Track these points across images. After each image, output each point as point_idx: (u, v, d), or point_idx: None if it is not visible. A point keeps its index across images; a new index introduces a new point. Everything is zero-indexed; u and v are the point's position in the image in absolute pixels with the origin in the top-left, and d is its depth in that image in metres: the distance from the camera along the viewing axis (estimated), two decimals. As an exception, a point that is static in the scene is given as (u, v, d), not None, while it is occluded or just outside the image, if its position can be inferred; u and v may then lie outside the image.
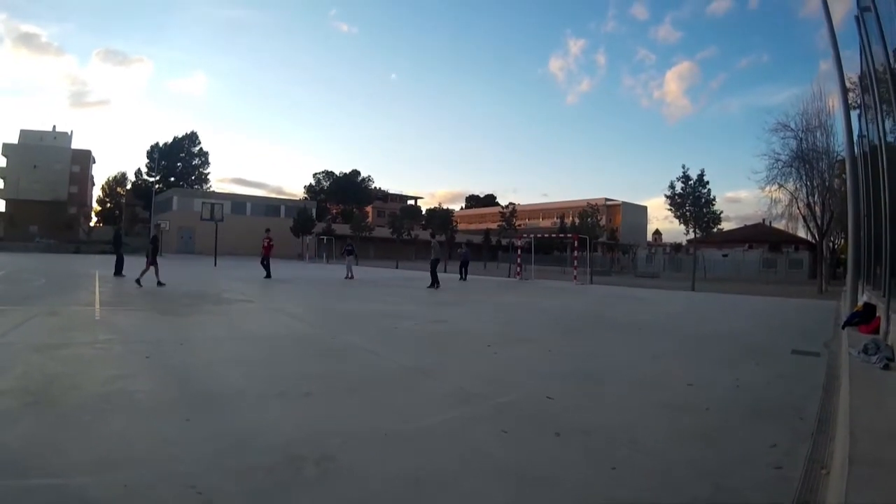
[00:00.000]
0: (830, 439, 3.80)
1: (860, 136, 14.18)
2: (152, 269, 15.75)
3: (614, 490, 2.98)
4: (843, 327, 8.65)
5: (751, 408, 4.75)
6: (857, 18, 11.16)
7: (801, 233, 33.61)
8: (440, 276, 20.81)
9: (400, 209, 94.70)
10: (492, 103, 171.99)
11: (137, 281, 15.28)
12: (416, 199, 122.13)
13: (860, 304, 9.42)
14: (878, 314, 8.09)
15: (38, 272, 18.36)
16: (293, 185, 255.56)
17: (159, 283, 15.34)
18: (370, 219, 79.26)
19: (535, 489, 2.98)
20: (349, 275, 24.76)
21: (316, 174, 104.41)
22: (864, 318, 8.36)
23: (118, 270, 18.81)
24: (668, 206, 28.59)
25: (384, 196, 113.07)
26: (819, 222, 28.15)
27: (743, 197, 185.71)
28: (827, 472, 3.19)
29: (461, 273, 27.14)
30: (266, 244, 22.55)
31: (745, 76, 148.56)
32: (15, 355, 5.87)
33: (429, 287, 19.23)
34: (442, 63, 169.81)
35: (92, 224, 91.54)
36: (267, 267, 21.81)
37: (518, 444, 3.67)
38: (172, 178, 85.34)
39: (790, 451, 3.63)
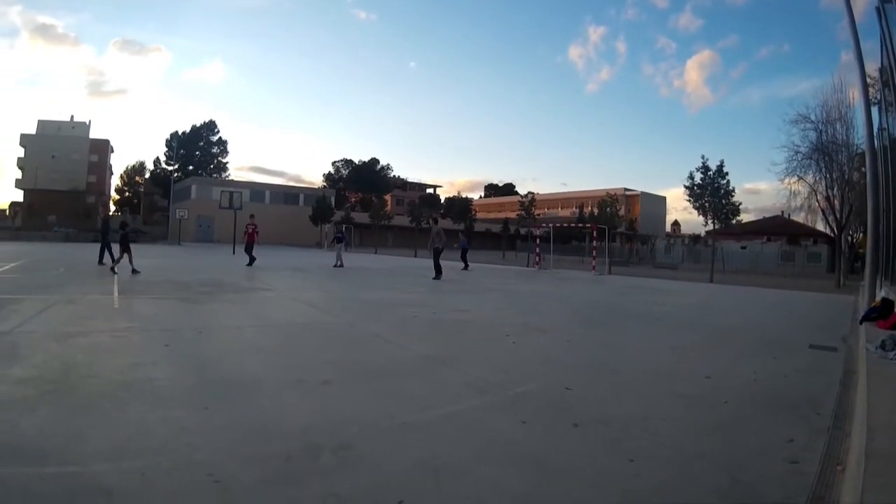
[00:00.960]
0: (847, 435, 3.78)
1: (880, 129, 14.01)
2: (126, 256, 15.69)
3: (631, 480, 2.99)
4: (861, 322, 8.57)
5: (768, 401, 4.74)
6: (877, 10, 11.01)
7: (820, 226, 33.23)
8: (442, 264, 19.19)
9: (419, 198, 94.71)
10: (511, 92, 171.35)
11: (112, 269, 15.22)
12: (434, 187, 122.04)
13: (878, 299, 9.32)
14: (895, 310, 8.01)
15: (57, 261, 18.53)
16: (312, 173, 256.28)
17: (134, 271, 15.25)
18: (389, 207, 79.08)
19: (552, 478, 2.99)
20: (338, 262, 23.65)
21: (335, 162, 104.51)
22: (881, 313, 8.27)
23: (101, 259, 18.54)
24: (687, 197, 28.37)
25: (403, 184, 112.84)
26: (838, 216, 27.83)
27: (762, 188, 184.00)
28: (843, 468, 3.17)
29: (464, 262, 26.68)
30: (250, 231, 22.36)
31: (765, 66, 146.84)
32: (34, 344, 5.92)
33: (434, 278, 17.82)
34: (461, 51, 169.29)
35: (111, 213, 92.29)
36: (250, 254, 21.54)
37: (536, 433, 3.69)
38: (191, 167, 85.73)
39: (806, 445, 3.62)
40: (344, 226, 27.17)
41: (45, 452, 3.04)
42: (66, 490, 2.67)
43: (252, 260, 21.33)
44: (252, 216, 22.91)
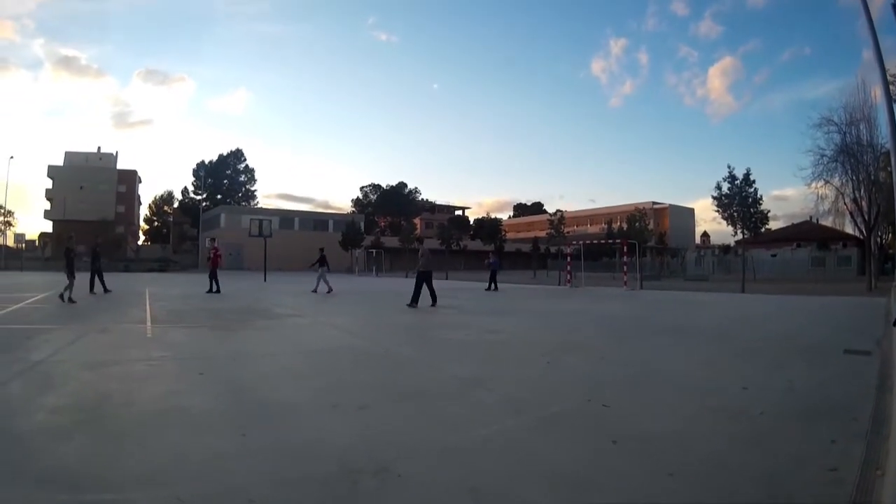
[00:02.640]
0: (885, 439, 3.73)
1: (904, 127, 13.83)
2: (71, 282, 15.24)
3: (671, 496, 2.98)
4: (895, 324, 8.45)
5: (804, 410, 4.69)
6: (893, 7, 10.91)
7: (849, 229, 32.88)
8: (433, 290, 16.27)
9: (448, 220, 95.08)
10: (536, 110, 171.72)
11: (61, 296, 14.88)
12: (463, 209, 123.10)
13: (911, 300, 9.19)
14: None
15: (87, 291, 18.82)
16: (340, 198, 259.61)
17: (69, 299, 14.79)
18: (418, 230, 79.50)
19: (592, 497, 2.99)
20: (316, 287, 22.22)
21: (363, 187, 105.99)
22: (915, 314, 8.17)
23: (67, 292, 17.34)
24: (716, 208, 28.32)
25: (431, 207, 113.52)
26: (866, 217, 27.52)
27: (790, 195, 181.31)
28: (882, 474, 3.14)
29: (491, 283, 25.97)
30: (213, 255, 21.81)
31: (788, 69, 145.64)
32: (67, 373, 6.03)
33: (409, 305, 15.53)
34: (483, 72, 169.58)
35: (140, 242, 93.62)
36: (213, 280, 20.55)
37: (575, 452, 3.67)
38: (219, 196, 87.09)
39: (845, 452, 3.58)
40: (321, 249, 23.96)
41: (82, 480, 3.09)
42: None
43: (215, 288, 20.34)
44: (213, 239, 22.40)
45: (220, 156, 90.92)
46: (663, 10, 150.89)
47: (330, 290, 21.87)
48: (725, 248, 59.00)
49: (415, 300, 15.65)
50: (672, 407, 4.89)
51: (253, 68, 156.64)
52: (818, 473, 3.25)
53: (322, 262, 23.03)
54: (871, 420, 4.29)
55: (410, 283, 17.37)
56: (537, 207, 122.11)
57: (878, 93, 23.79)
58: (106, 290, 19.02)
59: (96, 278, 19.60)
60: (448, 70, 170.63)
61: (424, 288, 15.83)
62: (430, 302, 15.76)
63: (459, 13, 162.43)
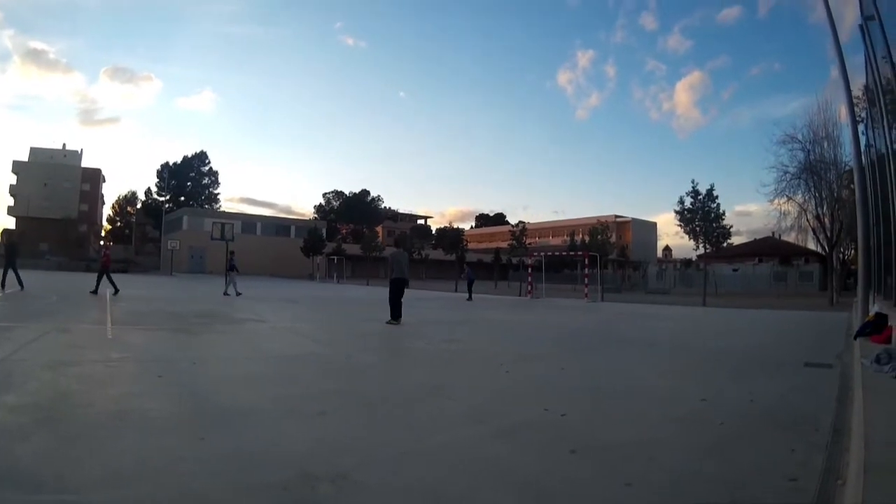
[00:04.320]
0: (845, 450, 3.77)
1: (867, 145, 14.16)
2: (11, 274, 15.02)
3: (630, 505, 2.97)
4: (856, 338, 8.61)
5: (765, 421, 4.74)
6: (861, 28, 11.17)
7: (811, 245, 33.60)
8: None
9: (410, 229, 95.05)
10: (501, 120, 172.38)
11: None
12: (426, 218, 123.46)
13: (871, 314, 9.38)
14: (889, 324, 8.06)
15: (49, 290, 18.43)
16: (303, 204, 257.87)
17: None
18: (381, 238, 79.40)
19: (550, 504, 2.97)
20: (227, 291, 22.29)
21: (325, 194, 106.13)
22: (875, 328, 8.32)
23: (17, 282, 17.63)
24: (678, 222, 28.68)
25: (394, 216, 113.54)
26: (828, 233, 28.12)
27: (753, 210, 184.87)
28: (843, 483, 3.17)
29: (469, 293, 26.87)
30: (104, 256, 21.38)
31: (756, 86, 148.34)
32: (27, 372, 5.88)
33: (388, 322, 12.86)
34: (449, 80, 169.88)
35: (102, 243, 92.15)
36: (101, 280, 18.99)
37: (534, 460, 3.66)
38: (182, 198, 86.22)
39: (805, 462, 3.61)
40: (231, 252, 24.03)
41: (41, 480, 3.01)
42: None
43: (113, 290, 18.90)
44: (106, 242, 21.92)
45: (185, 157, 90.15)
46: (632, 22, 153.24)
47: (236, 293, 21.90)
48: (687, 262, 59.93)
49: (396, 315, 13.01)
50: (631, 417, 4.91)
51: (219, 69, 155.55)
52: (779, 482, 3.27)
53: (232, 266, 23.45)
54: (831, 431, 4.35)
55: (371, 289, 17.17)
56: (500, 218, 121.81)
57: (843, 111, 24.35)
58: (20, 286, 18.18)
59: (10, 273, 18.48)
60: (414, 78, 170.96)
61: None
62: (392, 316, 13.00)
63: (427, 20, 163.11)
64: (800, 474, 3.38)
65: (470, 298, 26.08)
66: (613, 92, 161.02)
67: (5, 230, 19.52)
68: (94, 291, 18.32)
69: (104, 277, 18.99)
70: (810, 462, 3.61)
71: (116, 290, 18.80)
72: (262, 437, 4.01)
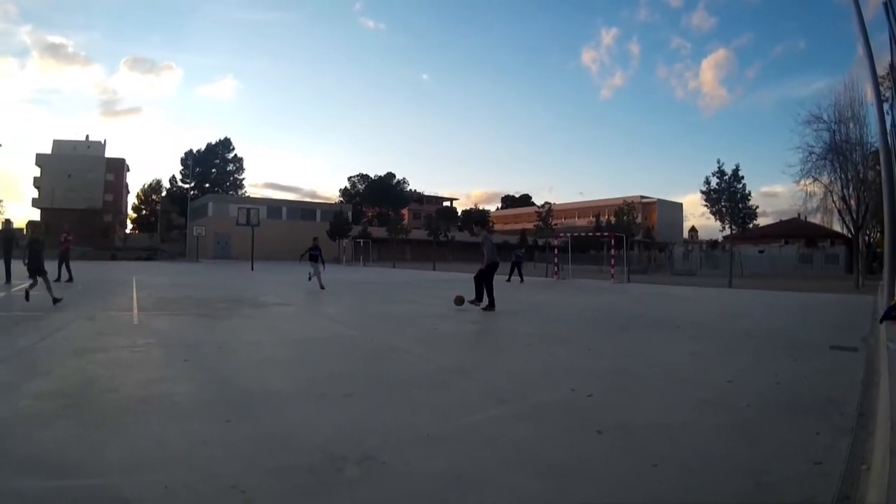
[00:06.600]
0: (871, 434, 3.74)
1: (893, 125, 13.89)
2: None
3: (655, 486, 2.98)
4: (881, 321, 8.48)
5: (790, 404, 4.71)
6: (885, 5, 10.92)
7: (837, 227, 33.04)
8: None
9: (436, 211, 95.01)
10: (526, 101, 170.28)
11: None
12: (451, 200, 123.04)
13: (898, 297, 9.23)
14: (915, 307, 7.93)
15: (75, 279, 18.68)
16: (328, 188, 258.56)
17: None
18: (406, 221, 79.38)
19: (575, 485, 2.98)
20: (311, 276, 19.21)
21: (351, 177, 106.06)
22: (902, 312, 8.20)
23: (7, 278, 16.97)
24: (704, 203, 28.29)
25: (419, 198, 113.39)
26: (854, 215, 27.67)
27: (779, 191, 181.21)
28: (868, 468, 3.14)
29: (512, 274, 26.00)
30: (64, 241, 19.87)
31: (781, 64, 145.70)
32: (53, 359, 6.00)
33: (485, 308, 12.35)
34: (472, 62, 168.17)
35: (128, 231, 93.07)
36: (63, 267, 18.84)
37: (559, 441, 3.67)
38: (207, 185, 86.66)
39: (830, 446, 3.59)
40: (315, 239, 20.30)
41: (65, 465, 3.06)
42: (86, 502, 2.69)
43: (66, 277, 18.68)
44: (67, 229, 20.82)
45: (209, 144, 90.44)
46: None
47: (322, 288, 18.05)
48: (713, 244, 59.35)
49: (481, 298, 12.52)
50: (657, 398, 4.90)
51: (240, 56, 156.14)
52: (804, 466, 3.25)
53: (315, 256, 19.15)
54: (856, 415, 4.31)
55: (397, 272, 17.12)
56: (525, 199, 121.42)
57: (869, 91, 23.89)
58: (7, 281, 17.10)
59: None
60: (437, 60, 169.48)
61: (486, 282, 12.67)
62: (486, 302, 12.49)
63: (447, 1, 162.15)
64: (825, 458, 3.36)
65: (519, 279, 25.72)
66: (638, 70, 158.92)
67: (6, 220, 19.33)
68: (59, 279, 17.76)
69: (63, 265, 18.92)
70: (835, 446, 3.58)
71: (71, 278, 18.68)
72: (287, 419, 4.05)
